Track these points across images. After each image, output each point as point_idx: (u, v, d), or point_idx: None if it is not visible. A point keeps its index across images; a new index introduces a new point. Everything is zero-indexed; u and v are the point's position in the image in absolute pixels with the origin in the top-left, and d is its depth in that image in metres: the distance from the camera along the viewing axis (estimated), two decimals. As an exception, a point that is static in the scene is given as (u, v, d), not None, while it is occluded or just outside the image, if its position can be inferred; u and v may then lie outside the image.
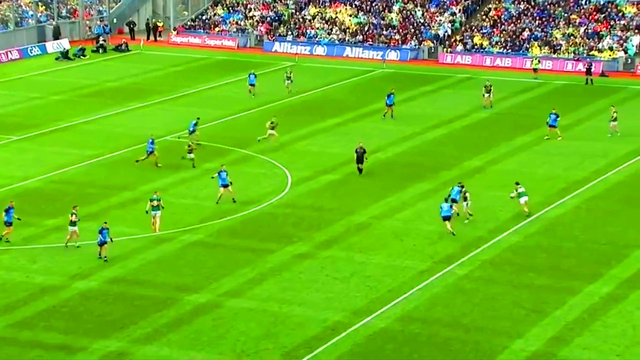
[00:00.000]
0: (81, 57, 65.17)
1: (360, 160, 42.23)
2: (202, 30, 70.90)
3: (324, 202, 39.74)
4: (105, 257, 33.34)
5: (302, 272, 33.25)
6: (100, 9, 71.94)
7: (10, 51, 64.14)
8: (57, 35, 66.92)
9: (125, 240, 35.50)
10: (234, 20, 71.45)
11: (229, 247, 35.31)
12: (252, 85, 55.20)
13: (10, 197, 39.39)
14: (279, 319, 29.97)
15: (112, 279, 32.50)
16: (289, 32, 69.75)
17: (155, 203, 36.48)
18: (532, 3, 69.02)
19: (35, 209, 38.34)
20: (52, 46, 66.18)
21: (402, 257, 34.45)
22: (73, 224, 34.61)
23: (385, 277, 32.82)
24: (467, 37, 67.13)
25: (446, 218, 36.08)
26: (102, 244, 33.27)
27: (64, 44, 66.58)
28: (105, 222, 33.77)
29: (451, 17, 69.10)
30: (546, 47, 65.13)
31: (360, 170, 42.19)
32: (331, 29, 69.49)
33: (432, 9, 69.99)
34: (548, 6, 68.52)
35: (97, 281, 32.08)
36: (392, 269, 33.50)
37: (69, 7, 70.85)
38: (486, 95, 53.57)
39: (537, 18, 67.67)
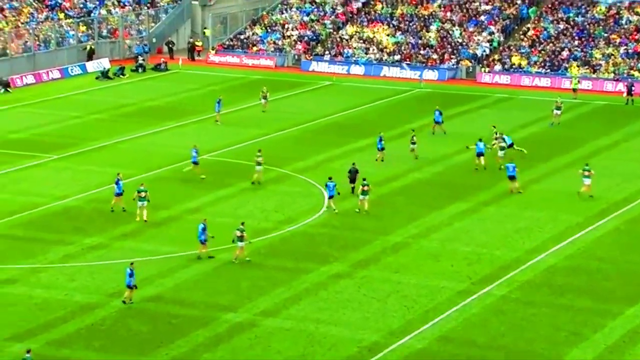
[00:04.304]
0: (121, 76, 65.72)
1: (353, 180, 41.96)
2: (240, 50, 71.26)
3: (360, 221, 39.63)
4: (131, 301, 32.13)
5: (339, 292, 33.14)
6: (140, 28, 72.58)
7: (51, 70, 64.81)
8: (91, 56, 67.53)
9: (161, 259, 35.59)
10: (271, 40, 71.76)
11: (265, 267, 35.30)
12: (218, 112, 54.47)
13: (49, 216, 39.78)
14: (315, 339, 29.86)
15: (149, 297, 32.58)
16: (327, 52, 69.89)
17: (142, 194, 38.33)
18: (572, 23, 68.65)
19: (73, 228, 38.57)
20: (92, 66, 66.81)
21: (439, 278, 34.23)
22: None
23: (422, 298, 32.63)
24: (506, 57, 66.86)
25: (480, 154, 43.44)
26: (131, 286, 32.02)
27: (104, 63, 67.18)
28: (132, 264, 32.45)
29: (489, 37, 68.90)
30: (586, 67, 64.69)
31: (352, 190, 41.79)
32: (368, 49, 69.55)
33: (470, 29, 69.83)
34: (588, 26, 68.11)
35: (134, 299, 32.14)
36: (429, 289, 33.30)
37: (109, 27, 71.55)
38: (556, 111, 53.55)
39: (577, 38, 67.27)
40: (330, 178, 40.78)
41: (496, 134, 47.48)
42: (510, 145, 46.58)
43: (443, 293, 32.94)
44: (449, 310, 31.62)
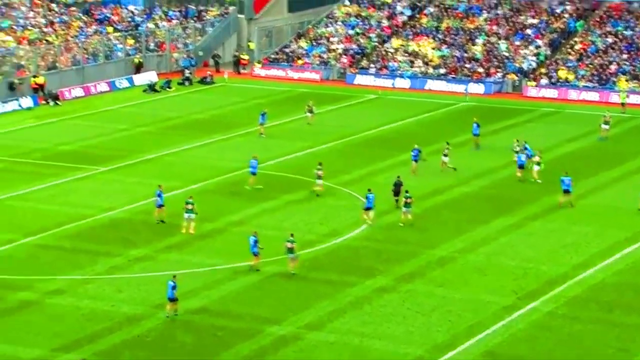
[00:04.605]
0: (167, 89, 66.30)
1: (397, 193, 41.92)
2: (285, 63, 71.57)
3: (404, 235, 39.55)
4: (175, 313, 32.14)
5: (383, 306, 33.08)
6: (187, 42, 73.19)
7: (99, 83, 65.58)
8: (139, 69, 68.25)
9: (207, 271, 35.77)
10: (317, 53, 71.97)
11: (309, 280, 35.34)
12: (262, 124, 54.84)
13: (96, 228, 40.20)
14: (359, 353, 29.82)
15: (195, 309, 32.74)
16: (372, 65, 69.94)
17: (190, 207, 38.37)
18: (620, 36, 68.05)
19: (120, 240, 38.92)
20: (139, 79, 67.49)
21: (485, 292, 34.03)
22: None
23: (467, 312, 32.46)
24: (553, 71, 66.43)
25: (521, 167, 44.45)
26: (173, 299, 32.10)
27: (151, 76, 67.83)
28: (174, 276, 32.49)
29: (536, 50, 68.51)
30: (634, 81, 64.05)
31: (397, 203, 41.82)
32: (413, 62, 69.49)
33: (517, 42, 69.50)
34: (636, 39, 67.46)
35: (179, 312, 32.33)
36: (474, 303, 33.12)
37: (156, 40, 72.26)
38: (604, 126, 53.28)
39: (625, 51, 66.65)
40: (369, 190, 40.80)
41: (517, 145, 47.30)
42: (529, 157, 46.40)
43: (488, 308, 32.74)
44: (495, 326, 31.41)
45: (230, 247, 38.04)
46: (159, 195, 40.57)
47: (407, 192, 40.62)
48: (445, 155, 47.27)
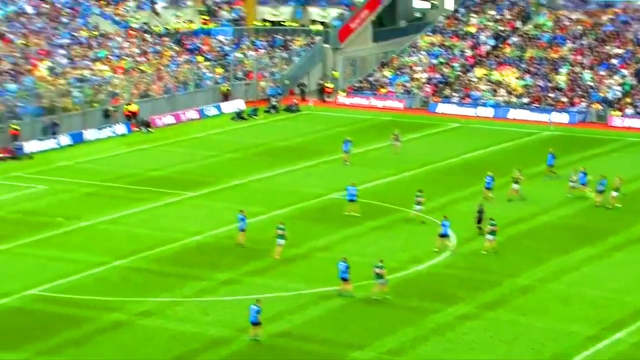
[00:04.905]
0: (254, 117, 67.60)
1: (480, 220, 42.16)
2: (369, 92, 72.41)
3: (486, 262, 39.79)
4: (258, 337, 32.67)
5: (465, 333, 33.35)
6: (274, 71, 74.57)
7: (189, 111, 67.23)
8: (227, 97, 69.76)
9: (291, 296, 36.50)
10: (400, 82, 72.68)
11: (392, 306, 35.80)
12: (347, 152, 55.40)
13: (185, 252, 41.32)
14: (440, 379, 30.13)
15: (279, 333, 33.47)
16: (455, 94, 70.33)
17: (281, 232, 39.18)
18: None
19: (207, 263, 39.95)
20: (227, 106, 68.97)
21: (568, 322, 34.07)
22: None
23: (550, 341, 32.54)
24: (638, 100, 65.91)
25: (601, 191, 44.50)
26: (256, 323, 32.60)
27: (239, 104, 69.28)
28: (258, 300, 33.01)
29: (621, 80, 68.08)
30: None
31: (479, 231, 42.08)
32: (496, 91, 69.67)
33: (601, 72, 69.16)
34: None
35: (264, 335, 33.02)
36: (557, 333, 33.19)
37: (244, 69, 73.83)
38: None
39: None
40: (445, 217, 41.21)
41: (575, 173, 47.27)
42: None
43: (572, 338, 32.76)
44: (579, 356, 31.40)
45: (314, 272, 38.76)
46: (242, 220, 41.62)
47: (492, 219, 40.93)
48: (516, 183, 47.41)
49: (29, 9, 69.82)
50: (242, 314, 34.49)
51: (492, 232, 40.42)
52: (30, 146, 57.67)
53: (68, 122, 60.90)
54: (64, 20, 70.41)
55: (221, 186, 51.02)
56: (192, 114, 67.12)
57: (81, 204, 47.80)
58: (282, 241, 40.01)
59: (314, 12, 78.97)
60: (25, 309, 35.40)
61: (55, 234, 43.25)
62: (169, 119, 65.71)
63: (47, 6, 71.16)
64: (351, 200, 45.40)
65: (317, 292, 36.86)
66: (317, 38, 76.65)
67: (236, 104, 69.05)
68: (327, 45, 76.28)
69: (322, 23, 78.18)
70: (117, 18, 73.88)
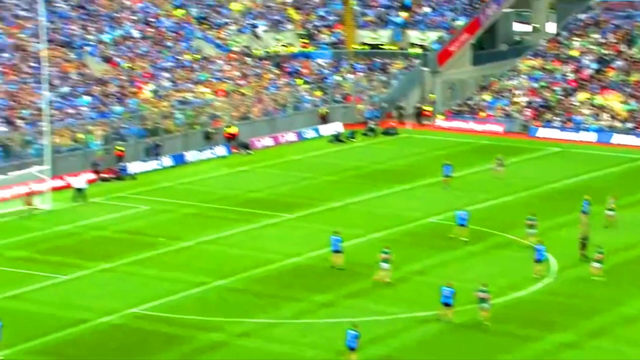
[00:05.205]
0: (352, 139, 67.84)
1: (583, 246, 41.38)
2: (468, 115, 71.97)
3: (589, 290, 39.03)
4: None
5: (566, 362, 32.83)
6: (372, 94, 74.76)
7: (288, 133, 67.87)
8: (325, 119, 70.22)
9: (389, 320, 36.38)
10: (500, 106, 72.05)
11: (490, 332, 35.37)
12: (447, 176, 54.91)
13: (282, 273, 41.56)
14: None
15: (376, 357, 33.38)
16: (556, 118, 69.37)
17: (385, 256, 39.06)
18: None
19: (304, 285, 40.13)
20: (325, 129, 69.40)
21: (672, 353, 33.24)
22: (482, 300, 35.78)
23: (653, 373, 31.80)
24: None
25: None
26: (352, 348, 32.36)
27: (337, 127, 69.66)
28: (356, 325, 32.67)
29: None
30: None
31: (582, 257, 41.32)
32: (599, 115, 68.48)
33: None
34: None
35: (362, 358, 32.99)
36: (660, 364, 32.42)
37: (343, 92, 74.23)
38: None
39: None
40: (539, 241, 40.59)
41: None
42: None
43: (676, 369, 31.97)
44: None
45: (412, 296, 38.59)
46: (337, 242, 41.71)
47: (599, 247, 40.21)
48: (611, 210, 46.41)
49: (135, 33, 71.59)
50: (340, 337, 34.42)
51: (599, 260, 39.69)
52: (134, 167, 58.95)
53: (170, 143, 62.06)
54: (168, 44, 71.98)
55: (319, 208, 51.25)
56: (291, 136, 67.70)
57: (182, 224, 48.58)
58: (386, 265, 39.93)
59: (413, 35, 78.97)
60: (128, 326, 36.11)
61: (156, 253, 44.04)
62: (268, 141, 66.41)
63: (152, 30, 72.85)
64: (461, 225, 45.15)
65: (415, 316, 36.67)
66: (416, 61, 76.58)
67: (334, 127, 69.40)
68: (425, 69, 76.09)
69: (421, 46, 78.10)
70: (219, 41, 75.17)
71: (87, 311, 37.07)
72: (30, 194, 50.32)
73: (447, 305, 35.92)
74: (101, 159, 58.01)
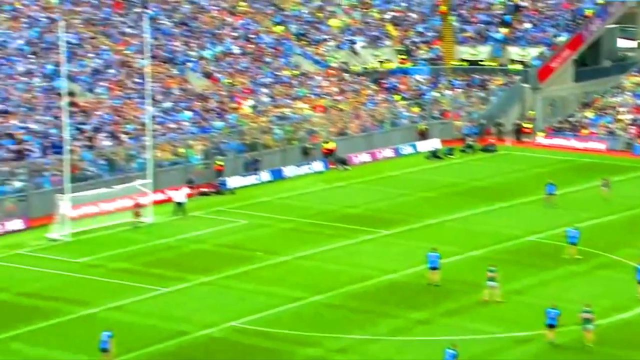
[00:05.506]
0: (449, 156, 67.38)
1: None
2: (569, 133, 70.75)
3: (695, 314, 37.92)
4: None
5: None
6: (470, 110, 74.17)
7: (385, 149, 67.79)
8: (423, 136, 69.90)
9: (487, 339, 35.92)
10: (603, 124, 70.66)
11: (593, 354, 34.57)
12: (551, 194, 53.79)
13: (378, 289, 41.43)
14: None
15: (473, 375, 33.12)
16: (662, 136, 67.78)
17: (492, 275, 38.53)
18: None
19: (400, 302, 39.91)
20: (422, 145, 69.09)
21: None
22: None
23: None
24: None
25: None
26: None
27: (435, 143, 69.29)
28: (455, 345, 32.58)
29: None
30: None
31: None
32: None
33: None
34: None
35: (458, 376, 32.75)
36: None
37: (440, 108, 73.85)
38: None
39: None
40: None
41: None
42: None
43: None
44: None
45: (510, 315, 38.02)
46: (435, 258, 41.39)
47: None
48: None
49: (235, 49, 72.59)
50: (438, 355, 34.12)
51: None
52: (233, 182, 59.63)
53: (268, 158, 62.60)
54: (268, 59, 72.75)
55: (415, 225, 50.98)
56: (388, 152, 67.60)
57: (279, 239, 48.87)
58: (493, 283, 39.48)
59: (514, 51, 78.10)
60: (227, 339, 36.40)
61: (254, 267, 44.38)
62: (365, 157, 66.43)
63: (252, 46, 73.76)
64: (572, 243, 44.37)
65: (514, 336, 36.13)
66: (516, 77, 75.70)
67: (432, 143, 69.05)
68: (526, 85, 75.14)
69: (521, 62, 77.21)
70: (317, 57, 75.64)
71: (187, 323, 37.54)
72: (138, 206, 51.38)
73: (551, 327, 35.25)
74: (199, 174, 58.84)
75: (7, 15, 66.89)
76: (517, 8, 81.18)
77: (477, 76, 76.86)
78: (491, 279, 39.46)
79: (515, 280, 41.94)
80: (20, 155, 54.39)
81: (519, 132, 71.96)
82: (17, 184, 52.47)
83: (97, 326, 36.36)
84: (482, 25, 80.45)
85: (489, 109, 74.20)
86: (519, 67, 76.74)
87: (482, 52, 78.68)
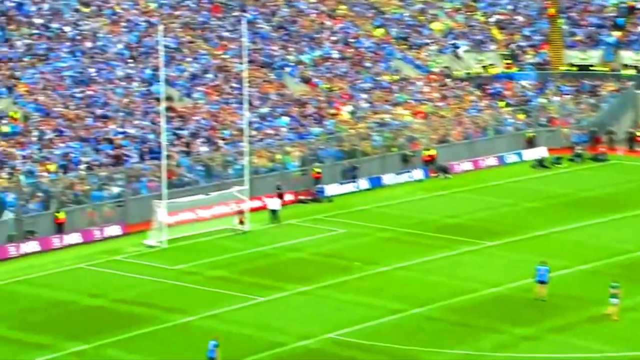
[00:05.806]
0: (557, 165, 65.12)
1: None
2: (689, 141, 67.55)
3: None
4: None
5: None
6: (579, 117, 71.56)
7: (488, 158, 65.81)
8: (531, 143, 67.71)
9: (595, 357, 34.04)
10: None
11: None
12: None
13: (481, 303, 39.71)
14: None
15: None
16: None
17: (614, 291, 36.66)
18: None
19: (505, 316, 38.21)
20: (528, 154, 66.90)
21: None
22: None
23: None
24: None
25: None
26: None
27: (541, 152, 67.03)
28: None
29: None
30: None
31: None
32: None
33: None
34: None
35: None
36: None
37: (548, 115, 71.42)
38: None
39: None
40: None
41: None
42: None
43: None
44: None
45: (622, 333, 36.05)
46: (544, 272, 39.51)
47: None
48: None
49: (334, 54, 71.55)
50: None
51: None
52: (331, 189, 58.54)
53: (367, 166, 61.34)
54: (367, 64, 71.50)
55: (520, 236, 49.12)
56: (492, 160, 65.62)
57: (377, 248, 47.60)
58: (615, 300, 37.49)
59: (627, 55, 75.31)
60: (325, 351, 35.31)
61: (353, 277, 43.19)
62: (467, 165, 64.60)
63: (352, 50, 72.62)
64: None
65: (625, 355, 34.15)
66: (629, 83, 72.85)
67: (538, 152, 66.81)
68: (639, 91, 72.21)
69: (635, 67, 74.41)
70: (418, 62, 74.10)
71: (283, 334, 36.58)
72: (241, 213, 50.68)
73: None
74: (296, 181, 57.92)
75: (107, 20, 67.21)
76: (631, 10, 78.19)
77: (587, 82, 74.22)
78: (613, 296, 37.43)
79: (628, 297, 39.65)
80: (118, 160, 54.28)
81: (632, 140, 69.08)
82: (115, 190, 52.32)
83: (192, 334, 35.80)
84: (593, 28, 77.73)
85: (599, 116, 71.47)
86: (633, 72, 73.94)
87: (593, 56, 76.08)
